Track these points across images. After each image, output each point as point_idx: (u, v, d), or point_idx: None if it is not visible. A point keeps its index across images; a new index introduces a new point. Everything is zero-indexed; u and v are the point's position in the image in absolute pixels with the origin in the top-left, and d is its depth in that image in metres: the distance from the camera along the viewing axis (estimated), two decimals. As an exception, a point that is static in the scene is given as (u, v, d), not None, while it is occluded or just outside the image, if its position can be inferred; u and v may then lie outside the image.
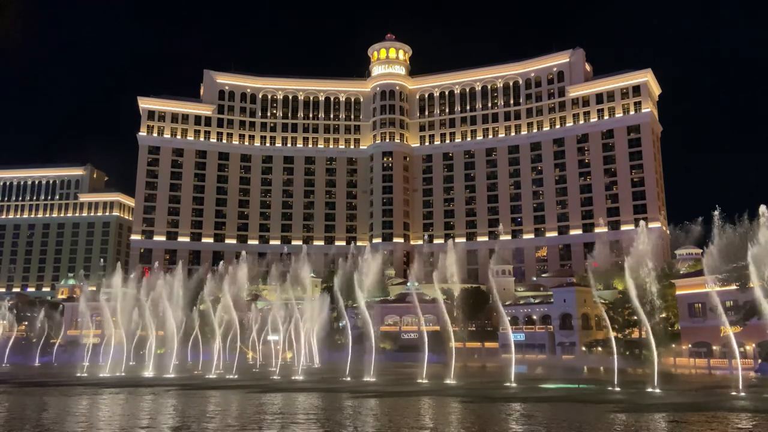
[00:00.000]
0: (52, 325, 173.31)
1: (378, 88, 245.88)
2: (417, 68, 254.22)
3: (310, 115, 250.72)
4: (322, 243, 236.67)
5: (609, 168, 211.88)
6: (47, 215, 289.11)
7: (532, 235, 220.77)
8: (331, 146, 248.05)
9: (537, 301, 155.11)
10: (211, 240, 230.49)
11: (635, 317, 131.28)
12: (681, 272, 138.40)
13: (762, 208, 74.49)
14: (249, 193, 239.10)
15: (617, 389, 70.22)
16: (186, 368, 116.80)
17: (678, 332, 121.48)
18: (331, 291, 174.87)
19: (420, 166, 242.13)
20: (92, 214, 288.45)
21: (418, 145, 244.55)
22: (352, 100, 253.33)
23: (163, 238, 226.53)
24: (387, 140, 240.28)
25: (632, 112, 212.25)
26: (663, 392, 66.67)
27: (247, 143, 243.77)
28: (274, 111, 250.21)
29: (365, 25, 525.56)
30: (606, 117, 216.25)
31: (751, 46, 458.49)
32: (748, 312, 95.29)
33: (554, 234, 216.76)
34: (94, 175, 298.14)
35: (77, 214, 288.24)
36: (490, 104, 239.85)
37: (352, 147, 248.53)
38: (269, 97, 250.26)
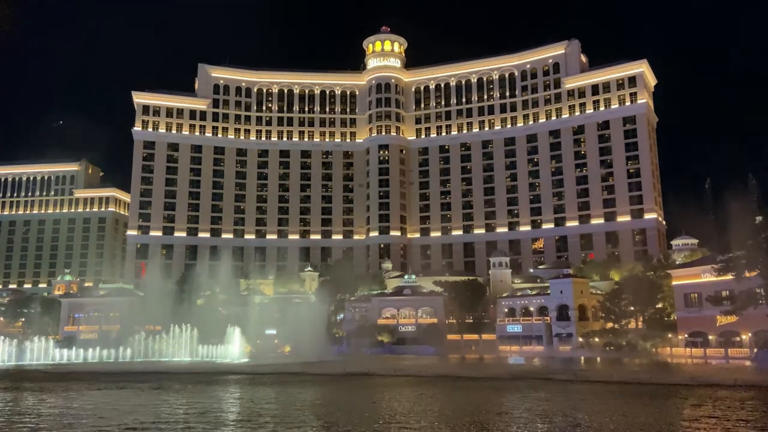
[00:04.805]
0: (50, 321, 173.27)
1: (373, 81, 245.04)
2: (412, 60, 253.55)
3: (306, 109, 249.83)
4: (318, 237, 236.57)
5: (605, 159, 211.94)
6: (42, 211, 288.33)
7: (528, 227, 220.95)
8: (327, 140, 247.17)
9: (534, 292, 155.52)
10: (207, 235, 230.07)
11: (631, 308, 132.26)
12: (677, 262, 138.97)
13: None
14: (245, 188, 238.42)
15: (614, 380, 70.47)
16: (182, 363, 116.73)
17: (674, 322, 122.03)
18: (328, 285, 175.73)
19: (416, 159, 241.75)
20: (88, 209, 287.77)
21: (415, 138, 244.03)
22: (348, 93, 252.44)
23: (159, 233, 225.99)
24: (383, 133, 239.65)
25: (628, 103, 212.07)
26: (657, 382, 66.98)
27: (242, 137, 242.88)
28: (270, 105, 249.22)
29: (360, 17, 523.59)
30: (602, 108, 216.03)
31: (750, 38, 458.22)
32: (744, 301, 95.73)
33: (551, 226, 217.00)
34: (89, 171, 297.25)
35: (73, 210, 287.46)
36: (485, 96, 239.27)
37: (348, 140, 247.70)
38: (264, 90, 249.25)
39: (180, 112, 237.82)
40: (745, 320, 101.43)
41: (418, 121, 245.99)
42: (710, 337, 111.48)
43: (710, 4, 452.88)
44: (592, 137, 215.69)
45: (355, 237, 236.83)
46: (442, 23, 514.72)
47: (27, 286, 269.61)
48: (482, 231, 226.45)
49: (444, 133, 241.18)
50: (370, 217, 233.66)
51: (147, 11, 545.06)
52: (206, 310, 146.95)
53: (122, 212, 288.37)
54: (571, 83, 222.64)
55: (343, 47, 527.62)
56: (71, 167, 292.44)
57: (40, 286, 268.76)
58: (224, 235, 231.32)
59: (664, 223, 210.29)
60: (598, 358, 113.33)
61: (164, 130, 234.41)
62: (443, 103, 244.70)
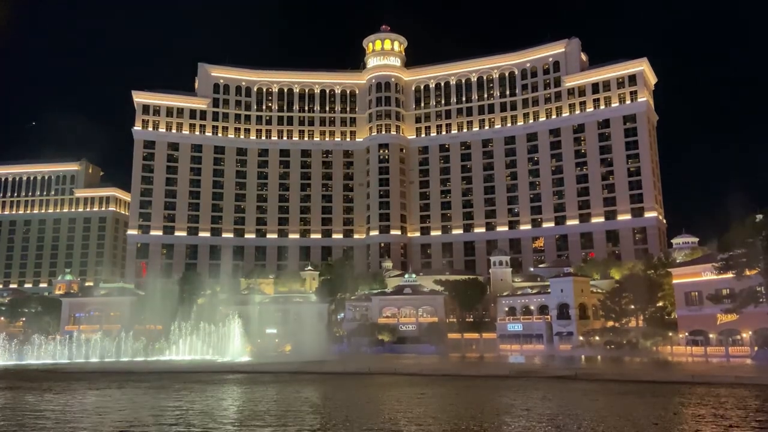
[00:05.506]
0: (50, 321, 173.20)
1: (373, 80, 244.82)
2: (412, 59, 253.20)
3: (306, 108, 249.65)
4: (319, 236, 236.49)
5: (605, 158, 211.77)
6: (43, 211, 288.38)
7: (529, 226, 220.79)
8: (327, 139, 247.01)
9: (534, 291, 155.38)
10: (207, 234, 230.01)
11: (632, 306, 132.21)
12: (678, 261, 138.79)
13: None
14: (245, 187, 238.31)
15: (615, 378, 70.45)
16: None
17: (675, 321, 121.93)
18: (328, 284, 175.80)
19: (416, 157, 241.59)
20: (88, 209, 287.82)
21: (415, 137, 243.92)
22: (348, 92, 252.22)
23: (159, 233, 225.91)
24: (383, 132, 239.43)
25: (628, 102, 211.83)
26: (657, 380, 66.96)
27: (242, 137, 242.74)
28: (270, 104, 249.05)
29: (360, 16, 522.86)
30: (602, 107, 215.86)
31: (750, 38, 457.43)
32: (744, 300, 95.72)
33: (551, 224, 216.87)
34: (90, 170, 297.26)
35: (73, 210, 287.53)
36: (485, 95, 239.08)
37: (348, 140, 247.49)
38: (264, 90, 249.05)
39: (180, 111, 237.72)
40: (745, 318, 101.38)
41: (418, 120, 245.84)
42: (711, 336, 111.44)
43: (710, 4, 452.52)
44: (592, 136, 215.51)
45: (356, 236, 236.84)
46: (442, 22, 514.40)
47: (27, 285, 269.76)
48: (482, 230, 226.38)
49: (444, 132, 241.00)
50: (370, 216, 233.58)
51: (147, 11, 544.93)
52: (207, 309, 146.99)
53: (122, 212, 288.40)
54: (571, 82, 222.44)
55: (343, 46, 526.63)
56: (71, 167, 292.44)
57: (41, 285, 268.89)
58: (224, 235, 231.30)
59: (664, 221, 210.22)
60: (599, 357, 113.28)
61: (164, 130, 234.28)
62: (443, 102, 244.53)
